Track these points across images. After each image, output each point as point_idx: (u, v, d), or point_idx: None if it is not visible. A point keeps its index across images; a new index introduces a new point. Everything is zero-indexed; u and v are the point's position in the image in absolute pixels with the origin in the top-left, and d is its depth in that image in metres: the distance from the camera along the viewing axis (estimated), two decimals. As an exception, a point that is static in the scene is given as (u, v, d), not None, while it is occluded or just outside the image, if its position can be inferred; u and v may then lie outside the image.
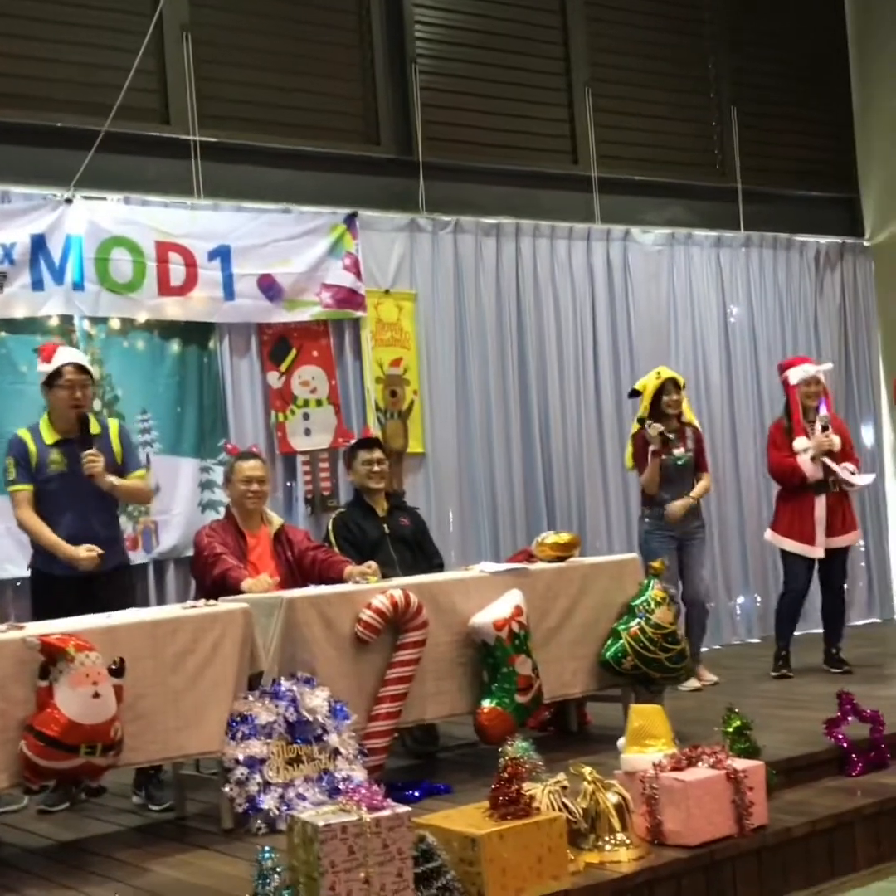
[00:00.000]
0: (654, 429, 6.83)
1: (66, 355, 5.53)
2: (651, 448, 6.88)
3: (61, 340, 6.27)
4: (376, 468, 6.22)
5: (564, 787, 4.18)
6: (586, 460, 8.44)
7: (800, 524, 7.03)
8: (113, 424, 5.68)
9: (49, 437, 5.43)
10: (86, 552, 5.27)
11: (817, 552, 7.01)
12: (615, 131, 8.80)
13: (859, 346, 9.90)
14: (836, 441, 7.00)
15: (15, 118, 6.58)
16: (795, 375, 7.13)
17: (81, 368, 5.48)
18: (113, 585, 5.47)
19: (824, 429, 6.99)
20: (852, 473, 7.04)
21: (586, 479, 8.42)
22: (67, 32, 6.82)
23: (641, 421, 7.02)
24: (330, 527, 6.18)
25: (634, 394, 7.29)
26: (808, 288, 9.68)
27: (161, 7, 6.85)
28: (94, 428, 5.44)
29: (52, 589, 5.38)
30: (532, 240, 8.39)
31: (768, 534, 7.33)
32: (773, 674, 7.04)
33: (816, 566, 7.12)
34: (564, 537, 5.86)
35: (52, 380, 5.43)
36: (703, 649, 7.35)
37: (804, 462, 6.96)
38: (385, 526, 6.17)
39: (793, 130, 9.68)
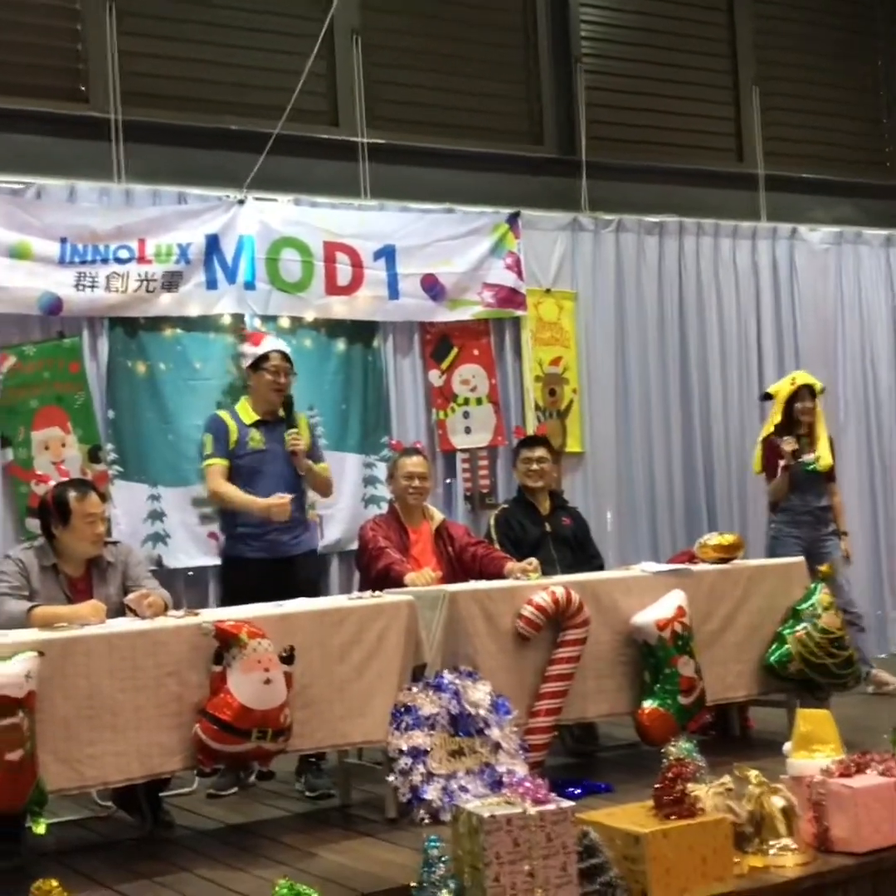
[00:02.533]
0: (789, 444, 6.74)
1: (273, 342, 5.88)
2: (782, 462, 6.77)
3: (265, 331, 6.48)
4: (535, 467, 6.23)
5: (729, 790, 4.14)
6: (749, 461, 8.31)
7: None
8: (302, 417, 5.89)
9: (247, 417, 5.69)
10: (277, 499, 5.43)
11: None
12: (782, 128, 8.69)
13: None
14: None
15: (191, 121, 6.80)
16: None
17: (286, 356, 5.76)
18: (305, 569, 5.66)
19: None
20: None
21: (748, 480, 8.29)
22: (241, 37, 7.01)
23: (780, 429, 6.90)
24: (491, 523, 6.23)
25: (766, 397, 7.18)
26: None
27: (333, 12, 6.99)
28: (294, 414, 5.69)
29: (246, 573, 5.55)
30: (695, 238, 8.32)
31: None
32: None
33: None
34: (728, 539, 5.80)
35: (259, 363, 5.71)
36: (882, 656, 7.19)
37: None
38: (547, 524, 6.19)
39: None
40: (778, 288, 8.57)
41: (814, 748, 4.35)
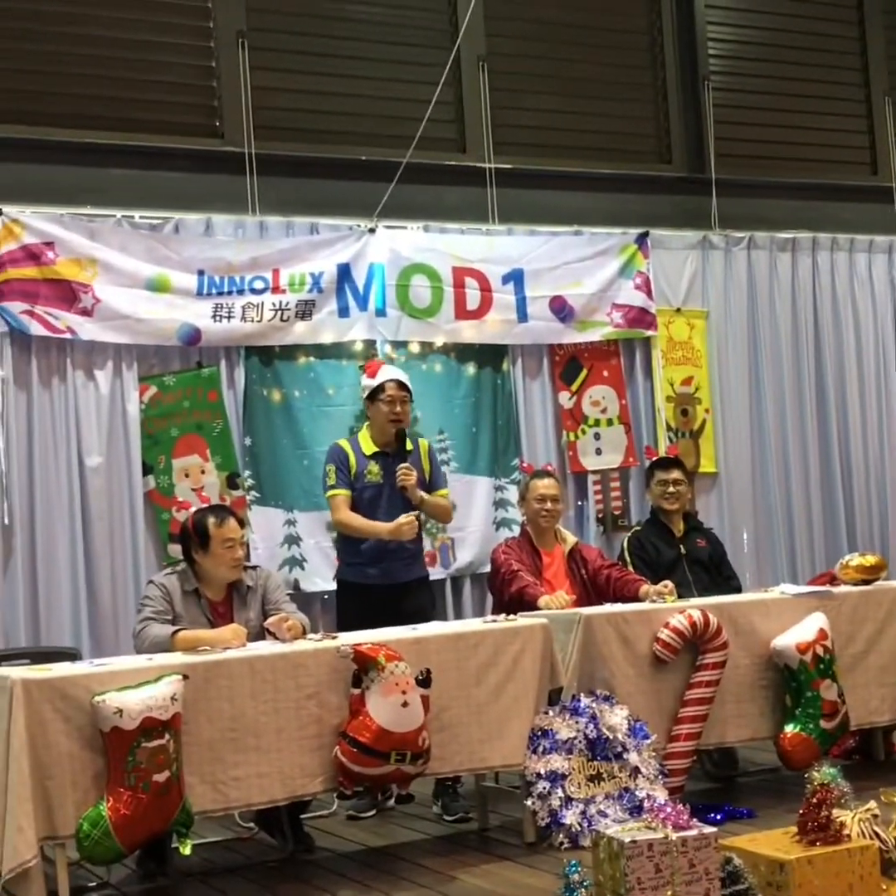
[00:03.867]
0: None
1: (389, 372, 5.87)
2: None
3: (381, 360, 6.53)
4: (672, 489, 6.17)
5: (875, 815, 4.04)
6: (889, 480, 8.14)
7: None
8: (423, 443, 5.92)
9: (367, 448, 5.73)
10: (405, 518, 5.48)
11: None
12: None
13: None
14: None
15: (321, 153, 6.92)
16: None
17: (402, 385, 5.77)
18: (416, 595, 5.68)
19: None
20: None
21: (889, 499, 8.12)
22: (369, 68, 7.13)
23: None
24: (625, 545, 6.18)
25: None
26: None
27: (459, 40, 7.07)
28: (408, 445, 5.68)
29: (360, 598, 5.62)
30: (829, 254, 8.18)
31: None
32: None
33: None
34: (871, 560, 5.68)
35: (376, 394, 5.74)
36: None
37: None
38: (681, 547, 6.13)
39: None
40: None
41: (965, 775, 4.23)
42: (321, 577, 6.56)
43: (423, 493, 5.68)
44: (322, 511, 6.48)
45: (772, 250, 8.02)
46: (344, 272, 6.76)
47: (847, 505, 8.05)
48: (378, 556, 5.61)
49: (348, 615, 5.60)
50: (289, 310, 6.63)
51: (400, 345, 6.95)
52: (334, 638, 4.69)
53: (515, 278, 7.25)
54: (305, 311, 6.66)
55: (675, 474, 6.20)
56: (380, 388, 5.72)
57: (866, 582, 5.57)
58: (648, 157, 7.96)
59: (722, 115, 7.96)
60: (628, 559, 6.06)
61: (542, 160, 7.51)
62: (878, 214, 8.35)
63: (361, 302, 6.80)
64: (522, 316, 7.25)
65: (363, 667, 4.40)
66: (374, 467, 5.69)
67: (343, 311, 6.76)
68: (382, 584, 5.59)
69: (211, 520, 4.83)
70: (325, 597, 6.54)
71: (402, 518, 5.49)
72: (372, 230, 6.87)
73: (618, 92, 7.84)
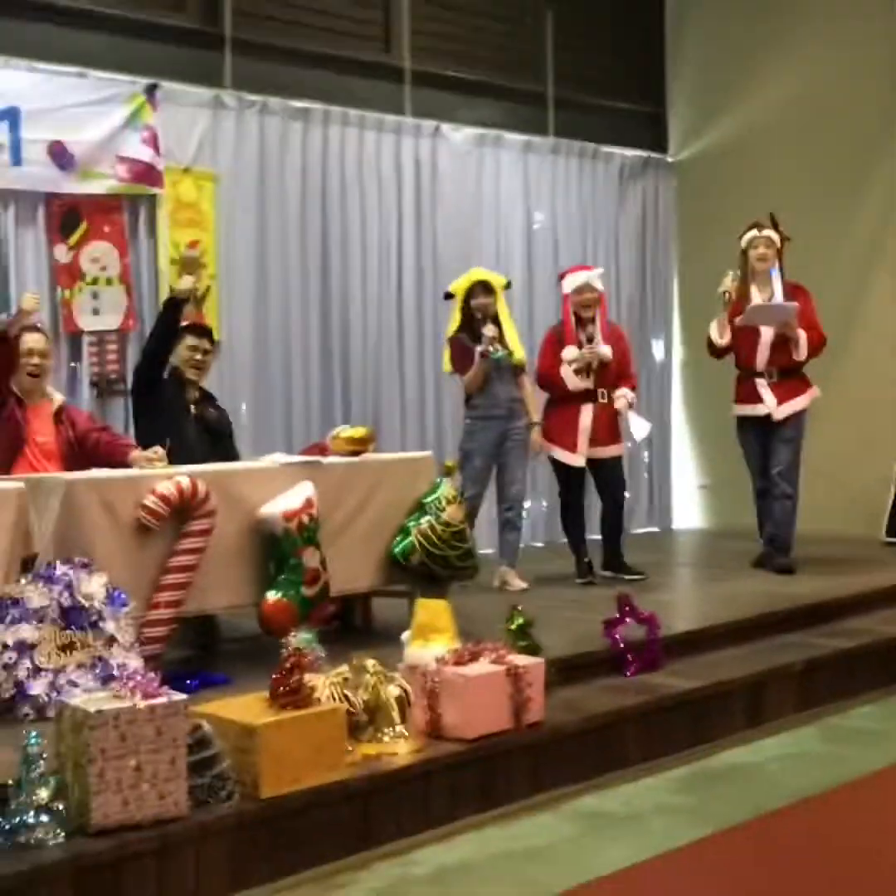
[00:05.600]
0: (491, 331, 6.80)
1: None
2: (479, 350, 6.83)
3: None
4: (199, 357, 5.98)
5: (346, 680, 4.15)
6: (384, 357, 8.38)
7: (563, 432, 7.10)
8: None
9: None
10: None
11: (578, 460, 7.10)
12: (432, 23, 8.62)
13: (657, 261, 10.06)
14: (605, 352, 7.05)
15: None
16: (568, 284, 7.16)
17: None
18: None
19: (590, 341, 7.05)
20: (629, 407, 7.11)
21: (384, 376, 8.37)
22: None
23: (462, 326, 6.96)
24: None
25: (448, 296, 7.20)
26: (612, 200, 9.76)
27: None
28: None
29: None
30: (341, 128, 8.18)
31: None
32: (579, 580, 7.09)
33: (593, 476, 7.24)
34: (359, 432, 5.78)
35: None
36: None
37: (567, 373, 7.01)
38: (193, 410, 5.97)
39: (606, 39, 9.67)
40: (420, 186, 8.56)
41: (430, 638, 4.44)
42: None
43: None
44: None
45: (284, 118, 7.92)
46: None
47: (344, 380, 8.21)
48: None
49: None
50: None
51: None
52: None
53: (10, 117, 6.69)
54: None
55: (207, 344, 6.01)
56: None
57: (355, 453, 5.68)
58: (161, 2, 7.54)
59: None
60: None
61: (48, -9, 6.94)
62: (389, 93, 8.42)
63: None
64: (16, 159, 6.72)
65: None
66: None
67: None
68: None
69: None
70: None
71: None
72: None
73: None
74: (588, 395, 7.04)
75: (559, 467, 7.18)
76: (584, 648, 5.28)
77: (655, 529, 9.90)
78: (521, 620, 4.77)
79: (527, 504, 8.04)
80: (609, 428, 7.14)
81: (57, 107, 6.86)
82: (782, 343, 7.17)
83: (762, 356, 7.22)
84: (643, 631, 5.35)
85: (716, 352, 7.43)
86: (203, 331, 6.15)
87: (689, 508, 10.12)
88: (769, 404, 7.22)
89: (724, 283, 7.23)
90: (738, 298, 7.22)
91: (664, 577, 7.44)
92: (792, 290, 7.24)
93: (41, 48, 6.89)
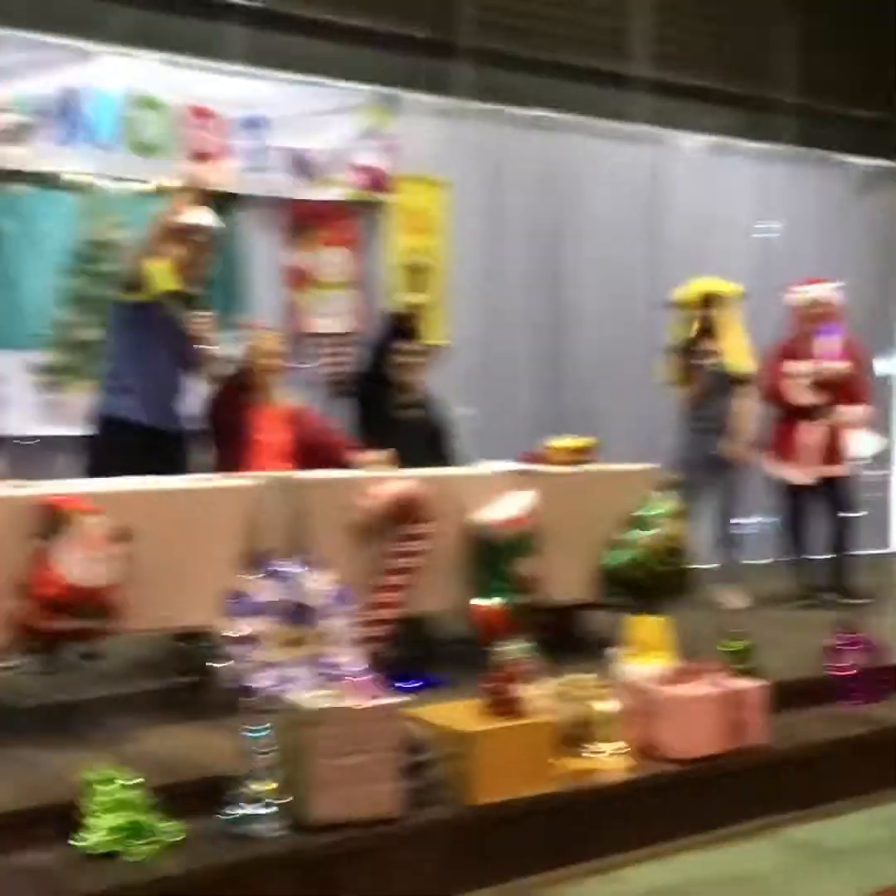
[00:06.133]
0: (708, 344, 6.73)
1: None
2: (697, 362, 6.75)
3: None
4: (411, 360, 6.10)
5: (560, 693, 4.16)
6: (610, 368, 8.32)
7: (788, 449, 6.91)
8: None
9: None
10: None
11: (802, 478, 6.90)
12: (666, 28, 8.54)
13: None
14: (834, 368, 6.82)
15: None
16: (798, 297, 6.99)
17: None
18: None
19: (819, 356, 6.85)
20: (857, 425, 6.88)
21: (605, 387, 8.31)
22: None
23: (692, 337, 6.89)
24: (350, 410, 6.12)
25: (669, 305, 7.11)
26: (850, 210, 9.44)
27: None
28: None
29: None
30: (573, 136, 8.16)
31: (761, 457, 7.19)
32: (800, 602, 6.89)
33: (820, 495, 7.02)
34: (580, 442, 5.78)
35: None
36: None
37: (793, 387, 6.83)
38: (404, 416, 6.06)
39: (849, 46, 9.37)
40: (653, 197, 8.51)
41: (647, 655, 4.39)
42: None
43: None
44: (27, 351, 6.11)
45: (517, 126, 7.94)
46: (66, 97, 6.27)
47: (565, 387, 8.19)
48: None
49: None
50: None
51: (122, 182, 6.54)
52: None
53: (257, 125, 6.94)
54: (19, 135, 6.16)
55: (418, 346, 6.13)
56: None
57: (575, 463, 5.67)
58: (397, 13, 7.68)
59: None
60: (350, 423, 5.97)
61: (300, 4, 7.15)
62: (625, 102, 8.39)
63: (85, 132, 6.34)
64: (259, 165, 6.96)
65: (55, 519, 4.16)
66: None
67: (64, 139, 6.28)
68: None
69: None
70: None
71: None
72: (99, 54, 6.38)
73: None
74: (816, 412, 6.86)
75: (783, 484, 7.02)
76: (802, 673, 5.15)
77: (882, 552, 9.53)
78: (741, 642, 4.68)
79: (749, 520, 7.86)
80: (837, 446, 6.93)
81: (298, 115, 7.06)
82: None
83: None
84: (866, 658, 5.17)
85: None
86: (413, 333, 6.24)
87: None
88: None
89: None
90: None
91: (891, 601, 7.17)
92: None
93: (284, 58, 7.10)
